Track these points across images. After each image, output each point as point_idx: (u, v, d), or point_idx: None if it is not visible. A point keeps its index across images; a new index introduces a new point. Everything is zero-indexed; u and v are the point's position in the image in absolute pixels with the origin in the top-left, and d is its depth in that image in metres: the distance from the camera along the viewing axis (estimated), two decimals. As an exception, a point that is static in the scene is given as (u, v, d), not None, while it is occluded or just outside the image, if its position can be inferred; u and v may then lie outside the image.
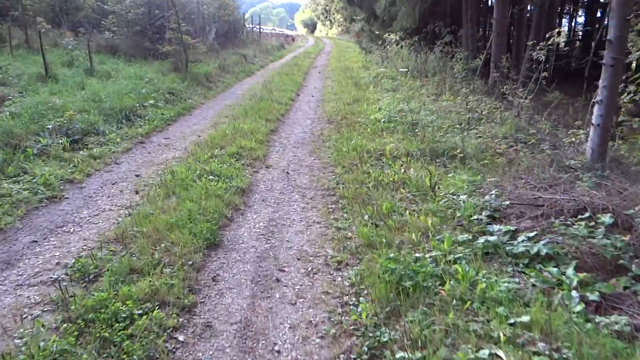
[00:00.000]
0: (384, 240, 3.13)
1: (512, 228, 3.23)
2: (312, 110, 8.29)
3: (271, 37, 27.37)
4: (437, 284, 2.58)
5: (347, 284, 2.70)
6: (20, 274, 2.69)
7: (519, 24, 13.14)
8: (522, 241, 3.03)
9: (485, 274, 2.66)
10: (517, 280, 2.67)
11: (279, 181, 4.55)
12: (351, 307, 2.46)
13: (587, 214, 3.22)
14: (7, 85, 6.87)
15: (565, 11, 19.96)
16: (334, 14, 47.89)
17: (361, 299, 2.52)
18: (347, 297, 2.57)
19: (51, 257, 2.87)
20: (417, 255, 2.90)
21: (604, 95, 4.57)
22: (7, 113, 5.42)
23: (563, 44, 6.39)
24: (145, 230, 3.11)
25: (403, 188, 4.16)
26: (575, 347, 2.00)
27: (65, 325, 2.18)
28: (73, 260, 2.78)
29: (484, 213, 3.50)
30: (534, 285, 2.61)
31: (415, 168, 4.63)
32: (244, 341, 2.21)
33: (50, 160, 4.55)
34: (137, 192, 4.02)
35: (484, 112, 7.31)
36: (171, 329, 2.23)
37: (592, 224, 3.11)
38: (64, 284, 2.55)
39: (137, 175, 4.49)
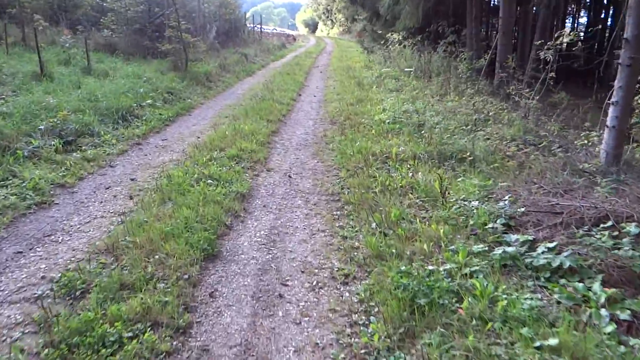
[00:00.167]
0: (393, 251, 2.92)
1: (530, 238, 3.02)
2: (314, 110, 8.08)
3: (272, 37, 27.16)
4: (454, 301, 2.38)
5: (356, 300, 2.50)
6: (1, 289, 2.48)
7: (524, 24, 12.94)
8: (543, 252, 2.82)
9: (505, 290, 2.46)
10: (539, 296, 2.47)
11: (281, 185, 4.35)
12: (361, 327, 2.26)
13: (609, 223, 3.02)
14: (1, 84, 6.66)
15: (568, 11, 19.75)
16: (335, 14, 47.67)
17: (372, 318, 2.31)
18: (356, 315, 2.37)
19: (36, 270, 2.66)
20: (430, 268, 2.69)
21: (620, 96, 4.37)
22: (-2, 113, 5.22)
23: (565, 44, 6.19)
24: (138, 241, 2.90)
25: (411, 193, 3.96)
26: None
27: (46, 350, 1.97)
28: (59, 275, 2.57)
29: (498, 221, 3.29)
30: (558, 302, 2.41)
31: (423, 172, 4.42)
32: (244, 367, 2.01)
33: (41, 162, 4.34)
34: (131, 198, 3.81)
35: (490, 113, 7.11)
36: (164, 354, 2.02)
37: (616, 233, 2.91)
38: (49, 300, 2.34)
39: (132, 179, 4.28)
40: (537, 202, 3.55)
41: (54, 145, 4.70)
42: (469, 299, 2.35)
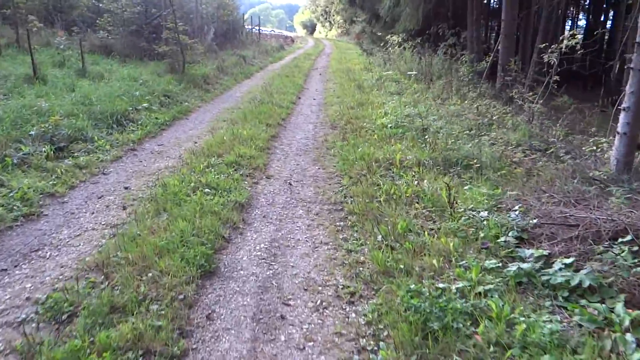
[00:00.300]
0: (401, 266, 2.76)
1: (545, 252, 2.86)
2: (314, 114, 7.92)
3: (270, 38, 27.00)
4: (469, 324, 2.22)
5: (363, 322, 2.34)
6: (-18, 311, 2.30)
7: (526, 26, 12.83)
8: (560, 269, 2.66)
9: (522, 311, 2.30)
10: (558, 318, 2.31)
11: (281, 194, 4.18)
12: (370, 354, 2.10)
13: (628, 237, 2.87)
14: (-8, 87, 6.48)
15: (567, 15, 19.68)
16: (333, 16, 47.57)
17: (381, 343, 2.15)
18: (364, 339, 2.20)
19: (21, 290, 2.48)
20: (441, 285, 2.53)
21: (632, 102, 4.24)
22: (-13, 118, 5.03)
23: (568, 47, 6.07)
24: (130, 257, 2.72)
25: (417, 203, 3.80)
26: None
27: (27, 385, 1.80)
28: (45, 296, 2.39)
29: (510, 234, 3.14)
30: (580, 325, 2.26)
31: (429, 179, 4.27)
32: (243, 400, 1.84)
33: (31, 170, 4.15)
34: (124, 208, 3.64)
35: (494, 117, 6.97)
36: (156, 388, 1.86)
37: (636, 248, 2.76)
38: (33, 325, 2.17)
39: (126, 188, 4.10)
40: (550, 212, 3.40)
41: (44, 151, 4.51)
42: (485, 322, 2.20)
